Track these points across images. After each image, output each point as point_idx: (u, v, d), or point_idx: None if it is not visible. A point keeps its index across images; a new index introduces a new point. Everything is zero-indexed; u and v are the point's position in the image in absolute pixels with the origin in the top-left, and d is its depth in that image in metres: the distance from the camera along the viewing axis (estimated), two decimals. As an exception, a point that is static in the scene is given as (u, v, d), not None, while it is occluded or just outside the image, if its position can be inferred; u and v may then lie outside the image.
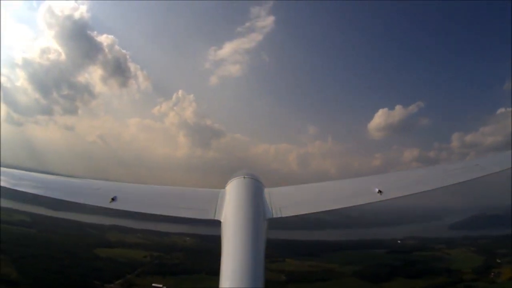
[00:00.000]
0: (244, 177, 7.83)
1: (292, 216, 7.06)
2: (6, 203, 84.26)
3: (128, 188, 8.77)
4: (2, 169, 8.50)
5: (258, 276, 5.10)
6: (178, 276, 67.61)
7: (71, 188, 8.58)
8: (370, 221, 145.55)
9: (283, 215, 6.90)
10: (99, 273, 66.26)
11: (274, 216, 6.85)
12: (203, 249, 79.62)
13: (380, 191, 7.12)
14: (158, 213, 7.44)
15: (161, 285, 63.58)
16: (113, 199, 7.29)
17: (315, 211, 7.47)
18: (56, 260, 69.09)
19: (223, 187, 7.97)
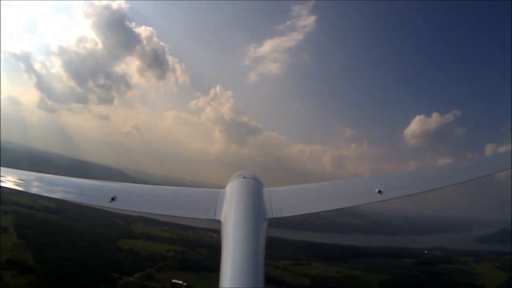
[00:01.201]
0: (244, 177, 7.78)
1: (292, 216, 6.93)
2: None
3: (128, 188, 8.94)
4: (2, 169, 8.44)
5: (258, 276, 4.94)
6: (200, 273, 65.20)
7: (71, 188, 8.46)
8: (399, 228, 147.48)
9: (283, 215, 6.78)
10: (119, 265, 65.21)
11: (274, 216, 6.70)
12: None
13: (380, 191, 7.00)
14: (158, 213, 7.67)
15: (181, 281, 61.63)
16: (113, 199, 7.20)
17: (315, 211, 7.41)
18: (77, 249, 68.02)
19: (224, 187, 7.85)
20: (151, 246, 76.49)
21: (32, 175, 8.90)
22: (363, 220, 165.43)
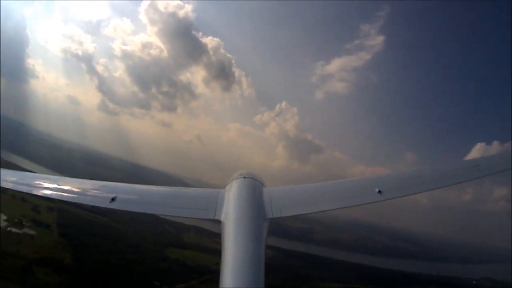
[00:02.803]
0: (244, 177, 7.77)
1: (292, 216, 6.99)
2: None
3: (128, 188, 8.56)
4: (2, 169, 8.60)
5: (258, 276, 5.04)
6: None
7: (71, 189, 8.15)
8: (447, 255, 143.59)
9: (283, 215, 6.80)
10: (162, 274, 60.91)
11: (274, 216, 6.70)
12: (279, 264, 75.24)
13: (380, 191, 7.08)
14: (158, 213, 8.85)
15: None
16: (113, 199, 7.23)
17: (315, 211, 7.46)
18: (120, 254, 64.60)
19: (223, 187, 7.83)
20: (199, 257, 71.79)
21: (32, 175, 8.98)
22: (416, 245, 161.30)
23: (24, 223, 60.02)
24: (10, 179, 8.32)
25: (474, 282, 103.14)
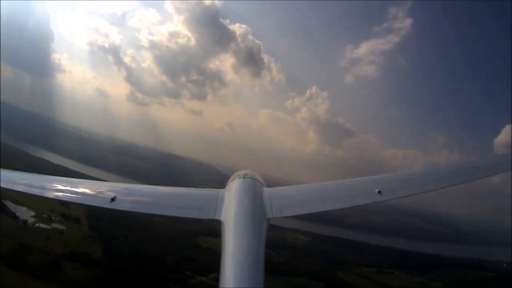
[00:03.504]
0: (244, 177, 7.89)
1: (292, 216, 7.15)
2: (111, 177, 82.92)
3: (128, 188, 9.00)
4: (2, 170, 8.63)
5: (258, 276, 5.19)
6: (278, 277, 58.84)
7: (71, 189, 8.24)
8: (480, 237, 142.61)
9: (283, 215, 6.99)
10: (194, 264, 59.94)
11: (274, 216, 6.89)
12: (314, 250, 75.21)
13: (380, 192, 7.24)
14: (158, 213, 7.83)
15: None
16: (113, 199, 7.33)
17: (315, 211, 7.58)
18: (151, 245, 63.79)
19: (224, 187, 7.95)
20: None
21: (31, 176, 8.91)
22: (449, 228, 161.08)
23: (52, 218, 59.92)
24: (10, 179, 8.38)
25: (504, 265, 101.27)
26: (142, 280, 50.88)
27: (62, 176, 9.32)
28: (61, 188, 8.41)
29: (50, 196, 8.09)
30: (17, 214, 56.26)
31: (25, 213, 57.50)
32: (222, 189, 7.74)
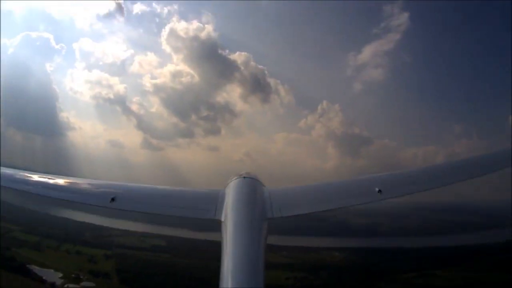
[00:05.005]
0: (244, 177, 7.85)
1: (292, 216, 7.12)
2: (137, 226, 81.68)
3: (128, 188, 8.80)
4: (2, 169, 8.61)
5: (258, 276, 5.18)
6: None
7: (71, 188, 8.61)
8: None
9: (283, 215, 6.94)
10: None
11: (274, 216, 6.87)
12: (352, 265, 72.95)
13: (380, 191, 7.18)
14: (158, 213, 7.66)
15: None
16: (113, 199, 7.33)
17: (315, 211, 7.64)
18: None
19: (224, 187, 7.91)
20: (269, 275, 64.76)
21: (32, 175, 8.85)
22: (477, 215, 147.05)
23: (81, 276, 58.03)
24: (10, 178, 8.36)
25: None
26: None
27: (63, 176, 9.21)
28: (61, 187, 8.46)
29: (51, 196, 8.16)
30: (44, 278, 54.57)
31: (52, 276, 55.79)
32: (222, 189, 7.70)
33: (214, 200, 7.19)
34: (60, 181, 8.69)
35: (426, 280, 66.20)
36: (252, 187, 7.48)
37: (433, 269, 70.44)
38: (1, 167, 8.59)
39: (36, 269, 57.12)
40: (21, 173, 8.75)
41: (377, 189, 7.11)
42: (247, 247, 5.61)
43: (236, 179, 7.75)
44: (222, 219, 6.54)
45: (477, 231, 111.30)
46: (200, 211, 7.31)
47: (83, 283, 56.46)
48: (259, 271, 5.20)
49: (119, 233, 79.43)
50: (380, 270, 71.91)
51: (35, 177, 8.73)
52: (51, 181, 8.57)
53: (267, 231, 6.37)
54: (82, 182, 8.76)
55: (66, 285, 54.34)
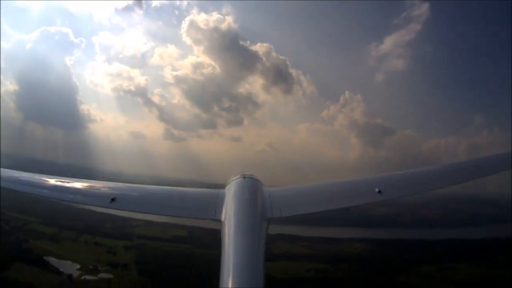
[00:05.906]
0: (244, 177, 7.87)
1: (292, 216, 7.11)
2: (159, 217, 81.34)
3: (128, 189, 8.89)
4: (2, 169, 8.58)
5: (258, 276, 5.16)
6: None
7: (71, 189, 8.49)
8: None
9: (283, 215, 6.99)
10: None
11: (274, 216, 6.89)
12: (373, 257, 71.18)
13: (380, 191, 7.20)
14: (158, 213, 8.04)
15: None
16: (113, 199, 7.36)
17: (315, 211, 7.57)
18: (204, 281, 59.13)
19: (223, 187, 7.95)
20: (289, 266, 66.66)
21: (32, 176, 8.90)
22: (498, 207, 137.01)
23: (99, 268, 57.98)
24: (10, 179, 8.45)
25: None
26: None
27: (63, 177, 9.05)
28: (61, 188, 8.42)
29: (51, 196, 8.49)
30: (61, 270, 54.65)
31: (69, 267, 55.85)
32: (222, 189, 7.77)
33: (214, 200, 7.25)
34: (60, 181, 8.70)
35: (446, 274, 64.64)
36: (252, 187, 7.51)
37: (453, 262, 69.07)
38: (1, 168, 8.60)
39: (53, 261, 57.30)
40: (21, 174, 8.83)
41: (377, 190, 7.18)
42: (247, 247, 5.60)
43: (235, 179, 7.83)
44: (222, 219, 6.59)
45: (504, 224, 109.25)
46: (200, 211, 7.44)
47: (101, 275, 56.31)
48: (259, 271, 5.19)
49: (141, 224, 78.99)
50: (401, 263, 70.24)
51: (35, 178, 8.75)
52: (51, 182, 8.61)
53: (267, 231, 6.38)
54: (82, 183, 8.70)
55: (83, 277, 54.44)
